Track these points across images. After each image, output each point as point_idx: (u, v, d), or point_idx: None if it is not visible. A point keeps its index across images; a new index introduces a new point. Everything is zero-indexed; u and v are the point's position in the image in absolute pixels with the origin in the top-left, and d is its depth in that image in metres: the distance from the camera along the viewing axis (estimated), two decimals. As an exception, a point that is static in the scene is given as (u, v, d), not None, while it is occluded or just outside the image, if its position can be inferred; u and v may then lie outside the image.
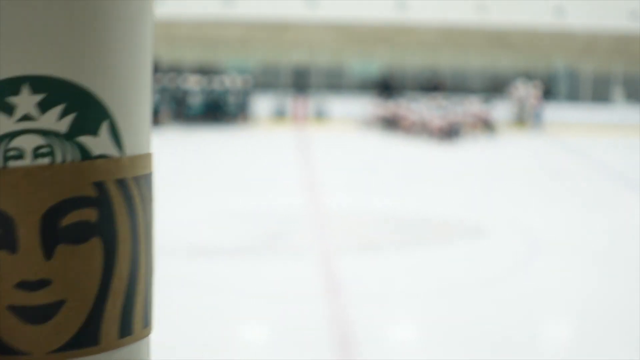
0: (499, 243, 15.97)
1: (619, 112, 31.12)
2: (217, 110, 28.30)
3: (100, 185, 0.91)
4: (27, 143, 0.88)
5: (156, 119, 27.47)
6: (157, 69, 30.37)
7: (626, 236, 16.65)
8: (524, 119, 30.02)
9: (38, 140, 0.88)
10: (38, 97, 0.88)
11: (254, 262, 14.18)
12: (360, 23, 33.44)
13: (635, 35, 34.67)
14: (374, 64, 32.07)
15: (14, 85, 0.87)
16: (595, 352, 10.96)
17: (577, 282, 13.83)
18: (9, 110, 0.87)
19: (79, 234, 0.90)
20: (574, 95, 33.15)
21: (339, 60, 32.73)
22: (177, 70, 30.40)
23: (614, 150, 26.48)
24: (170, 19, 32.63)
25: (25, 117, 0.88)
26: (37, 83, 0.87)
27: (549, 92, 31.21)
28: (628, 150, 26.65)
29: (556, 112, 30.63)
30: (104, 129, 0.92)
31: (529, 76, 32.45)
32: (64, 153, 0.89)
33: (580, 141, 28.13)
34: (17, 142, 0.88)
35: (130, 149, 0.94)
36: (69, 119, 0.89)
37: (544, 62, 33.46)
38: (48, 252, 0.89)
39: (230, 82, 28.80)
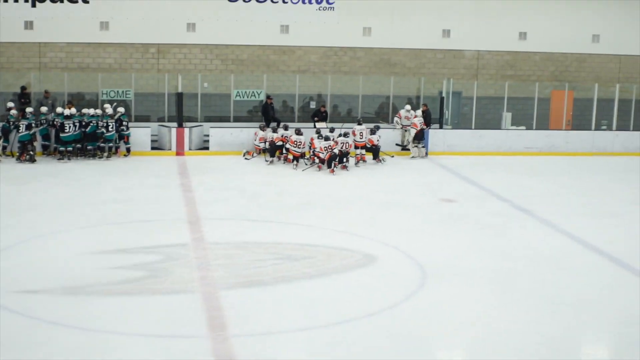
0: (388, 272, 15.73)
1: (507, 136, 31.41)
2: (92, 141, 27.32)
3: None
4: None
5: (29, 151, 26.46)
6: (27, 97, 29.35)
7: (515, 258, 16.81)
8: (411, 145, 29.90)
9: None
10: None
11: (134, 300, 13.55)
12: (243, 47, 33.12)
13: (523, 57, 35.18)
14: (257, 90, 31.69)
15: None
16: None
17: (468, 308, 13.75)
18: None
19: None
20: (461, 119, 33.37)
21: (220, 86, 32.32)
22: (49, 98, 29.40)
23: (501, 175, 26.59)
24: (42, 44, 31.73)
25: None
26: None
27: (435, 117, 31.26)
28: (515, 175, 26.99)
29: (443, 137, 30.56)
30: None
31: (413, 101, 32.53)
32: None
33: (467, 166, 28.27)
34: None
35: None
36: None
37: (431, 86, 33.59)
38: None
39: (107, 110, 27.90)
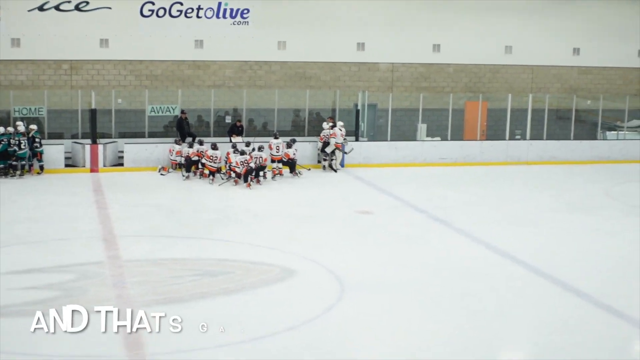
0: (307, 285, 15.75)
1: (422, 148, 31.56)
2: (4, 159, 26.80)
3: None
4: None
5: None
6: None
7: (434, 269, 16.96)
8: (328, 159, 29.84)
9: None
10: None
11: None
12: (157, 63, 32.84)
13: (437, 69, 35.44)
14: (172, 105, 31.45)
15: None
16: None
17: (388, 320, 13.82)
18: None
19: None
20: (377, 131, 33.45)
21: (134, 102, 31.98)
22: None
23: (417, 186, 26.70)
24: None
25: None
26: None
27: (351, 129, 31.28)
28: (431, 186, 27.11)
29: (359, 149, 30.48)
30: None
31: (325, 114, 32.56)
32: None
33: (383, 178, 28.32)
34: None
35: None
36: None
37: (347, 99, 33.65)
38: None
39: (19, 128, 27.41)
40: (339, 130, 29.77)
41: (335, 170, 29.59)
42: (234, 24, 33.37)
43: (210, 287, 15.32)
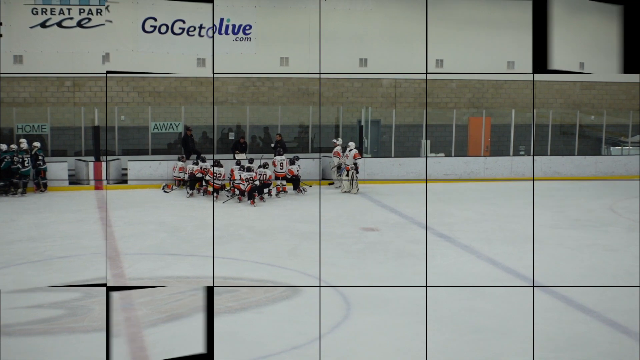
0: (312, 303, 15.56)
1: (427, 164, 31.52)
2: (8, 177, 26.78)
3: None
4: None
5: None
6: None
7: (441, 286, 16.73)
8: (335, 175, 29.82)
9: None
10: None
11: (54, 339, 13.22)
12: (160, 79, 32.85)
13: (440, 85, 35.45)
14: (175, 122, 31.45)
15: None
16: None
17: (393, 337, 13.78)
18: None
19: None
20: (380, 148, 33.44)
21: (137, 119, 32.00)
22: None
23: (421, 203, 26.58)
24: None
25: None
26: None
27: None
28: (435, 202, 27.06)
29: (363, 165, 30.41)
30: None
31: (328, 130, 32.56)
32: None
33: (387, 194, 28.33)
34: None
35: None
36: None
37: (350, 115, 33.66)
38: None
39: (22, 145, 27.42)
40: (342, 150, 29.42)
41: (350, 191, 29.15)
42: (236, 40, 33.41)
43: (214, 305, 15.24)
